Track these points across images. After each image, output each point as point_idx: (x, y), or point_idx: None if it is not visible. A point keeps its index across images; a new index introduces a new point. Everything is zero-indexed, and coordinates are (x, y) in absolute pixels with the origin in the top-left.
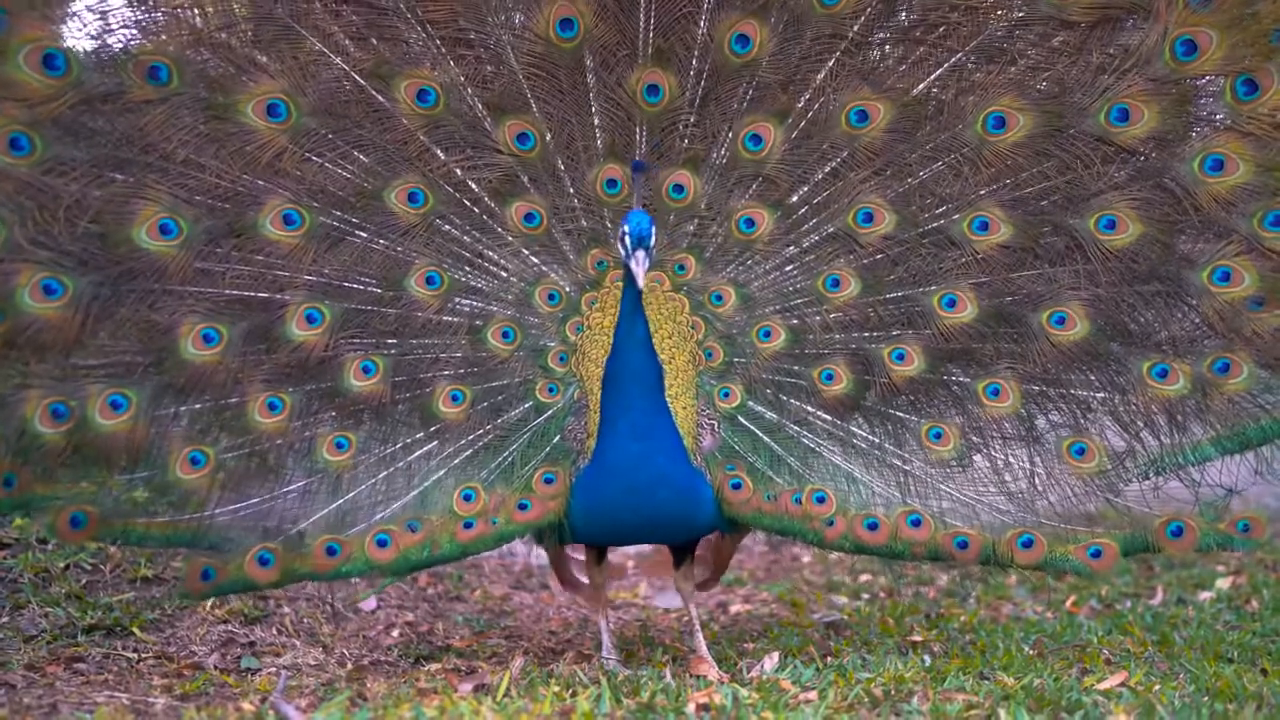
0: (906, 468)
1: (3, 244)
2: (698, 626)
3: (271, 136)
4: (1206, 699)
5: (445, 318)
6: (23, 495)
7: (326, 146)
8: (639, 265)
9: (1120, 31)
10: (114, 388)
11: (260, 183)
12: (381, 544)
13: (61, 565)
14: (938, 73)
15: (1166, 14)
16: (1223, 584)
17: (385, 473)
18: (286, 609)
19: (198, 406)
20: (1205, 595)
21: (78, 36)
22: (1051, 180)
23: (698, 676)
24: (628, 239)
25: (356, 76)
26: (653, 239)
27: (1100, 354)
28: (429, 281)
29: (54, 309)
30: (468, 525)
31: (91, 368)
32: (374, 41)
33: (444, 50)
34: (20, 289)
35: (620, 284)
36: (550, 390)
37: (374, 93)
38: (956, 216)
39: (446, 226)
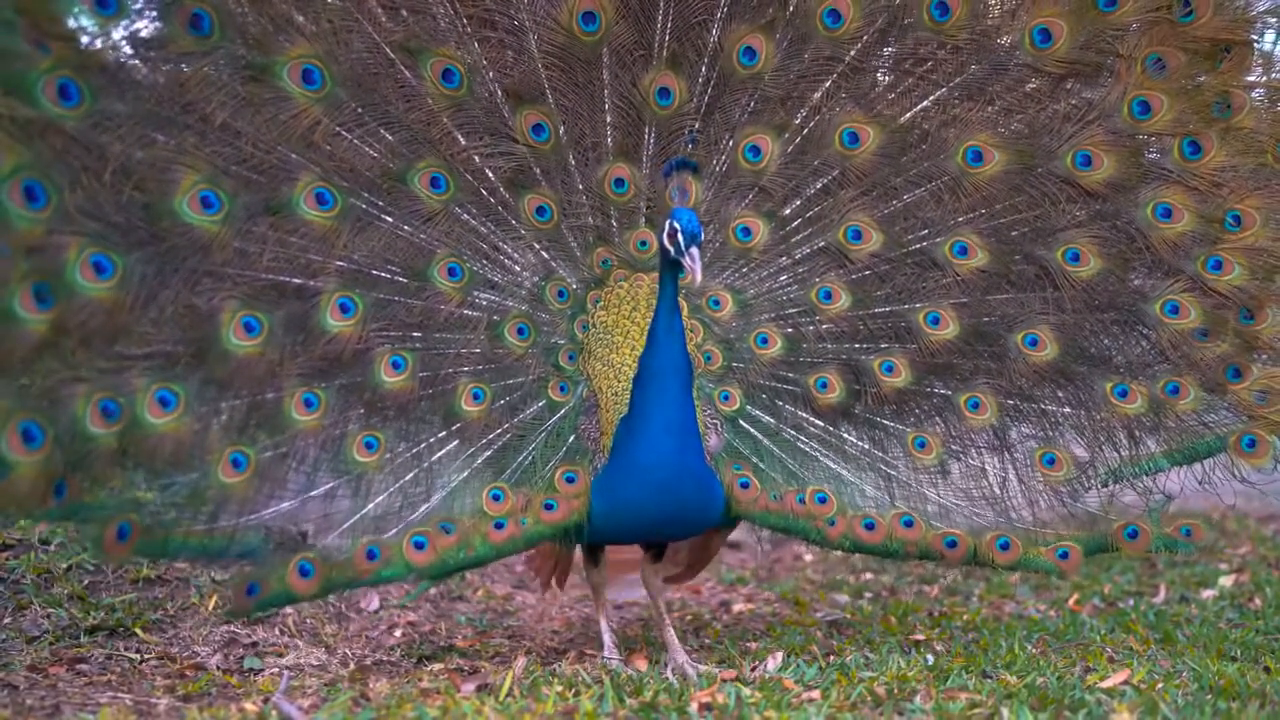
0: (892, 473)
1: (54, 211)
2: (667, 622)
3: (306, 105)
4: (1210, 697)
5: (466, 311)
6: (72, 504)
7: (356, 122)
8: (696, 261)
9: (1087, 86)
10: (161, 382)
11: (294, 156)
12: (419, 546)
13: (64, 566)
14: (924, 104)
15: (1126, 75)
16: (1226, 581)
17: (412, 473)
18: (289, 609)
19: (236, 402)
20: (1208, 593)
21: None
22: (1023, 214)
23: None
24: (680, 236)
25: (386, 49)
26: (703, 235)
27: (1069, 373)
28: (451, 273)
29: (107, 290)
30: (499, 526)
31: (134, 358)
32: (404, 13)
33: (469, 29)
34: (70, 265)
35: (622, 283)
36: (562, 389)
37: (403, 68)
38: (939, 240)
39: (465, 216)
